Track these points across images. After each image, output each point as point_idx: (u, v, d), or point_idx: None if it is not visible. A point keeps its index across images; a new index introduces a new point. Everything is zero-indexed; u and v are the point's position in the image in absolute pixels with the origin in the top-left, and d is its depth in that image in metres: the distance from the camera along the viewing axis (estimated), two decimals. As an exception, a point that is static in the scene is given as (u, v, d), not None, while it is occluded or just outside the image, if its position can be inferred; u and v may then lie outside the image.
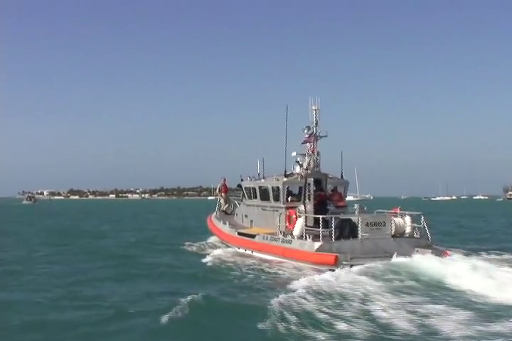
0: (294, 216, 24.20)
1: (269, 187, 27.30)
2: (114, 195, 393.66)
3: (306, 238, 22.99)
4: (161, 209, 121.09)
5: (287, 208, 25.95)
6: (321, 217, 22.81)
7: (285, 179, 26.56)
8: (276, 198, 26.88)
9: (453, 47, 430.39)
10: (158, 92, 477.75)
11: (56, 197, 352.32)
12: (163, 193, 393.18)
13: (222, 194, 34.43)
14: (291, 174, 26.87)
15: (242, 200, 32.14)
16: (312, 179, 26.25)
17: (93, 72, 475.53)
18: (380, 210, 26.37)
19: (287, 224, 24.66)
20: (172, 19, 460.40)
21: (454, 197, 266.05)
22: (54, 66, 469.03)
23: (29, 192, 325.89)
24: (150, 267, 23.39)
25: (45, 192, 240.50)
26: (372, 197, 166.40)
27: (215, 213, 34.58)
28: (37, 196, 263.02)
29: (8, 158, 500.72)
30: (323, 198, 26.41)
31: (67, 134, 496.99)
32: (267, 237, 25.44)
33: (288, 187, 26.58)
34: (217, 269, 22.77)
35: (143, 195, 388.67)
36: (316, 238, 22.69)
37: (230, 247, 28.98)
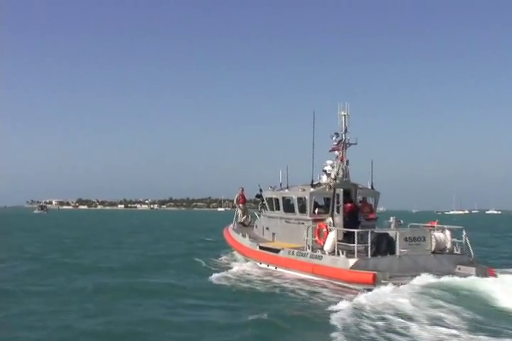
0: (325, 229, 22.22)
1: (294, 197, 25.38)
2: (122, 206, 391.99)
3: (338, 253, 21.05)
4: (175, 220, 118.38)
5: (314, 221, 24.06)
6: (355, 231, 20.90)
7: (312, 189, 24.65)
8: (302, 210, 24.98)
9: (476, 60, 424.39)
10: (168, 103, 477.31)
11: (65, 207, 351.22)
12: (172, 204, 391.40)
13: (240, 205, 32.50)
14: (319, 184, 24.95)
15: (261, 211, 30.32)
16: (341, 189, 24.30)
17: (102, 83, 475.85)
18: (413, 224, 24.49)
19: (316, 238, 22.68)
20: (183, 29, 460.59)
21: (466, 211, 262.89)
22: (64, 77, 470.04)
23: (38, 202, 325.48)
24: (170, 287, 21.32)
25: (53, 202, 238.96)
26: (385, 210, 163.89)
27: (232, 225, 32.65)
28: (36, 205, 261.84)
29: (17, 167, 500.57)
30: (353, 210, 24.45)
31: (76, 144, 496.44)
32: (293, 252, 23.51)
33: (314, 199, 24.68)
34: (247, 289, 20.75)
35: (152, 206, 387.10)
36: (349, 254, 20.76)
37: (249, 261, 27.07)
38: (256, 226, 29.97)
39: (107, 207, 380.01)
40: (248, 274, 23.73)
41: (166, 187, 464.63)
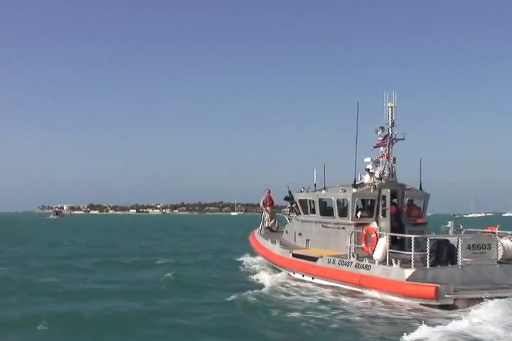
0: (374, 235, 19.48)
1: (334, 199, 22.70)
2: (134, 210, 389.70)
3: (390, 263, 18.29)
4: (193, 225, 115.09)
5: (357, 225, 21.40)
6: (412, 236, 18.18)
7: (355, 190, 21.93)
8: (343, 213, 22.34)
9: None
10: (180, 110, 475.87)
11: (76, 212, 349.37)
12: (184, 208, 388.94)
13: (267, 208, 29.76)
14: (362, 184, 22.23)
15: (289, 215, 27.71)
16: (388, 190, 21.57)
17: (114, 90, 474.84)
18: (469, 229, 21.78)
19: (363, 244, 19.95)
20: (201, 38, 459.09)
21: (483, 214, 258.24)
22: (75, 83, 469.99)
23: (49, 207, 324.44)
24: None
25: (65, 207, 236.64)
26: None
27: (258, 230, 29.97)
28: (52, 211, 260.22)
29: (28, 172, 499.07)
30: (397, 213, 21.79)
31: (87, 149, 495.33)
32: (333, 260, 20.81)
33: (357, 201, 22.00)
34: (289, 305, 17.85)
35: (164, 210, 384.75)
36: (404, 263, 18.03)
37: (280, 271, 24.39)
38: (286, 232, 27.26)
39: (119, 212, 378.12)
40: (285, 286, 20.96)
41: (177, 192, 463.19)
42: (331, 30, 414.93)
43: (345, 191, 22.26)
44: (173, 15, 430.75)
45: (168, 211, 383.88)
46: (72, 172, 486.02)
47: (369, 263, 19.05)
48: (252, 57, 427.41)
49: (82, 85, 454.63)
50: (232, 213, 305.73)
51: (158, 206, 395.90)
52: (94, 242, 50.27)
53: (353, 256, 20.07)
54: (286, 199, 28.57)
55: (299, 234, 25.27)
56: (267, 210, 29.81)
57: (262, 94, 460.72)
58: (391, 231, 20.49)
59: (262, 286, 21.01)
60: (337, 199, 22.55)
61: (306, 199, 24.66)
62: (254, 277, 23.92)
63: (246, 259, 29.38)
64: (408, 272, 17.52)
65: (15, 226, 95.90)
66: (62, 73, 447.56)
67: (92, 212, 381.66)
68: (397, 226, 21.50)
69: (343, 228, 22.08)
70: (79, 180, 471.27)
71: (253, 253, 29.43)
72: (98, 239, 56.76)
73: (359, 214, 21.90)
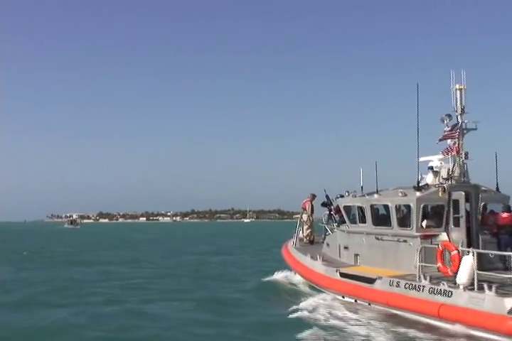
0: (455, 252, 15.08)
1: (391, 206, 18.36)
2: (144, 218, 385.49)
3: (481, 288, 13.90)
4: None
5: (423, 237, 17.08)
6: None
7: (419, 193, 17.57)
8: (404, 222, 18.08)
9: None
10: (191, 116, 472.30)
11: (85, 221, 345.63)
12: (195, 216, 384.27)
13: (309, 216, 25.35)
14: (426, 186, 17.89)
15: (328, 224, 23.51)
16: (462, 193, 17.23)
17: (122, 98, 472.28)
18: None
19: (439, 263, 15.57)
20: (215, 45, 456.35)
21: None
22: (86, 90, 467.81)
23: (58, 216, 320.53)
24: None
25: (74, 216, 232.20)
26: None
27: (292, 242, 25.63)
28: (66, 220, 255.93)
29: (37, 182, 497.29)
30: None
31: (95, 156, 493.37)
32: (397, 283, 16.44)
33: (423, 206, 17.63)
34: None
35: (174, 218, 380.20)
36: (500, 289, 13.69)
37: (325, 294, 20.03)
38: (327, 245, 22.90)
39: (129, 220, 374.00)
40: (336, 316, 16.58)
41: (187, 199, 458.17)
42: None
43: (406, 195, 17.93)
44: (187, 22, 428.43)
45: (178, 218, 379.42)
46: (80, 181, 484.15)
47: (450, 289, 14.69)
48: (267, 63, 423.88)
49: (94, 92, 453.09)
50: (245, 220, 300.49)
51: (169, 214, 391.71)
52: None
53: (424, 278, 15.71)
54: (324, 205, 24.39)
55: (345, 248, 20.95)
56: (309, 218, 25.39)
57: (271, 101, 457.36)
58: (469, 245, 16.33)
59: (306, 315, 16.77)
60: (396, 206, 18.23)
61: (352, 206, 20.40)
62: (294, 300, 19.56)
63: (280, 277, 24.73)
64: (510, 302, 13.15)
65: (71, 238, 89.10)
66: (72, 80, 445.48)
67: (102, 220, 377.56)
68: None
69: (405, 241, 17.79)
70: (87, 189, 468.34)
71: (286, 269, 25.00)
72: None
73: (424, 223, 17.60)
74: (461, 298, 14.25)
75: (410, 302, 15.69)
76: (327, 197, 24.46)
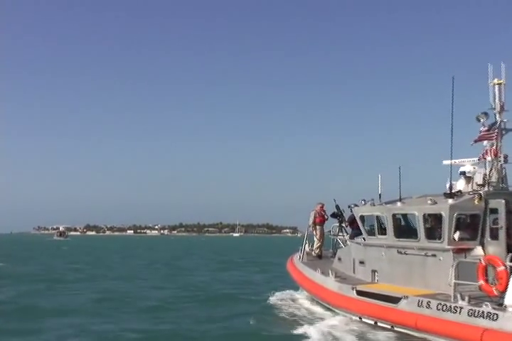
0: (502, 268, 12.91)
1: (418, 215, 16.19)
2: (132, 231, 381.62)
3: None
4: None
5: (456, 251, 14.96)
6: None
7: (451, 201, 15.43)
8: (432, 234, 15.90)
9: None
10: (180, 129, 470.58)
11: (72, 233, 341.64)
12: (183, 229, 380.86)
13: (317, 227, 23.18)
14: (459, 193, 15.77)
15: (338, 236, 21.44)
16: (502, 201, 15.12)
17: (115, 104, 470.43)
18: None
19: (481, 281, 13.38)
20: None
21: None
22: (80, 95, 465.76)
23: (45, 228, 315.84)
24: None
25: (60, 228, 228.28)
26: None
27: (298, 255, 23.42)
28: (53, 232, 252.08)
29: (23, 194, 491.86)
30: None
31: (83, 169, 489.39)
32: (428, 303, 14.22)
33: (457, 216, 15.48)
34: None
35: (162, 231, 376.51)
36: None
37: (336, 312, 17.83)
38: (339, 259, 20.68)
39: (116, 233, 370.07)
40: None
41: (176, 212, 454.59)
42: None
43: (436, 203, 15.79)
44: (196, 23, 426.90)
45: (166, 232, 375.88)
46: (67, 193, 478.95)
47: (496, 311, 12.49)
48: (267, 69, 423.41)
49: (83, 99, 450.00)
50: (234, 234, 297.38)
51: (156, 227, 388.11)
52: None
53: (462, 298, 13.52)
54: (334, 216, 22.32)
55: (361, 263, 18.74)
56: (317, 229, 23.19)
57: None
58: None
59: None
60: (424, 215, 16.07)
61: (370, 216, 18.24)
62: (304, 322, 17.29)
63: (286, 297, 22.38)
64: None
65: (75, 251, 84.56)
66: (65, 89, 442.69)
67: (89, 233, 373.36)
68: None
69: (434, 255, 15.62)
70: (74, 201, 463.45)
71: (294, 287, 22.74)
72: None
73: (456, 235, 15.45)
74: (510, 323, 12.08)
75: (445, 326, 13.45)
76: (337, 207, 22.41)
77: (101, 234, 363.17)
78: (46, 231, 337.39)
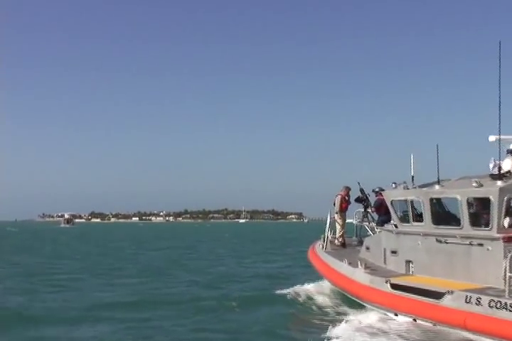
0: None
1: (461, 199, 14.42)
2: (137, 218, 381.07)
3: None
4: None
5: (507, 240, 13.20)
6: None
7: (501, 183, 13.68)
8: (477, 221, 14.12)
9: None
10: (185, 117, 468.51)
11: (77, 220, 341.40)
12: (188, 216, 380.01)
13: (342, 213, 21.47)
14: (509, 174, 14.02)
15: (363, 222, 19.72)
16: (561, 182, 13.38)
17: (116, 96, 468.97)
18: None
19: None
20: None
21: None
22: (84, 88, 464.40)
23: (50, 215, 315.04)
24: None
25: (65, 215, 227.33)
26: None
27: (320, 244, 21.73)
28: (58, 219, 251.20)
29: (27, 180, 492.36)
30: None
31: (88, 155, 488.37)
32: (478, 300, 12.49)
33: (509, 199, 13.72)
34: None
35: (167, 218, 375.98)
36: None
37: (367, 307, 16.15)
38: (367, 248, 18.95)
39: (121, 220, 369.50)
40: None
41: (181, 199, 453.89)
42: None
43: (482, 185, 14.01)
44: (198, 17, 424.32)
45: (171, 218, 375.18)
46: (71, 180, 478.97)
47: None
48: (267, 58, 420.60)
49: (90, 89, 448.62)
50: (240, 220, 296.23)
51: (161, 213, 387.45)
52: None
53: (517, 293, 11.83)
54: (358, 200, 20.61)
55: (393, 253, 17.01)
56: (341, 216, 21.46)
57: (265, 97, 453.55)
58: None
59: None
60: (468, 199, 14.31)
61: (404, 200, 16.47)
62: (333, 319, 15.63)
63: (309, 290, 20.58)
64: None
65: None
66: (67, 83, 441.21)
67: (94, 220, 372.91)
68: None
69: (480, 244, 13.89)
70: (79, 188, 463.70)
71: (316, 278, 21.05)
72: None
73: (507, 221, 13.70)
74: None
75: (502, 326, 11.78)
76: (362, 191, 20.71)
77: (106, 221, 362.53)
78: (51, 219, 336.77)
